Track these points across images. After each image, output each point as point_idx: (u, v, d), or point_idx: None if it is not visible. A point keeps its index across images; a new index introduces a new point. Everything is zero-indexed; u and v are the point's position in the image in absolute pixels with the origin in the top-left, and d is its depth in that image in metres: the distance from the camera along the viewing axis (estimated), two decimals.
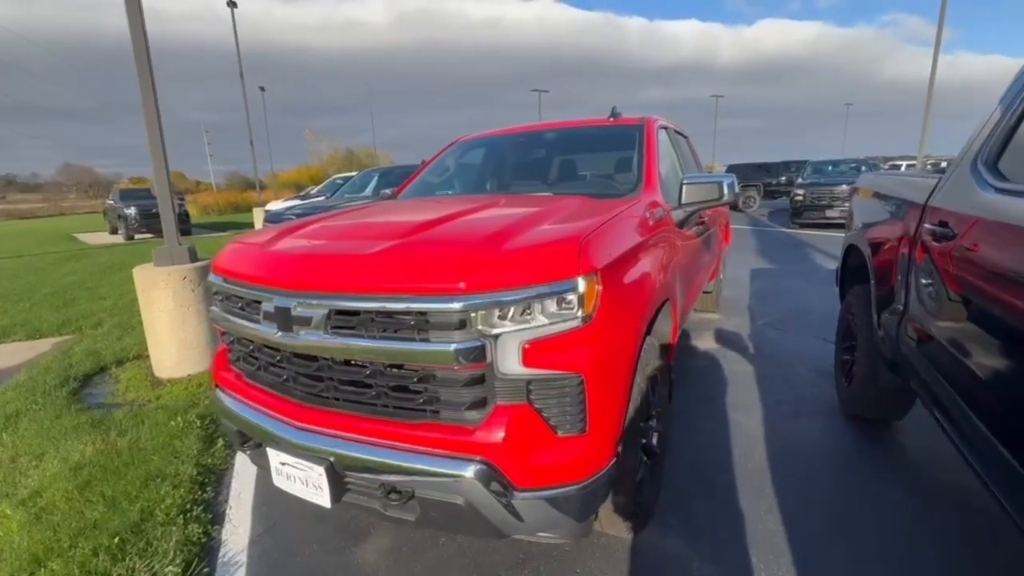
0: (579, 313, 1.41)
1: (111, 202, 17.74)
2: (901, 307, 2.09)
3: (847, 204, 11.45)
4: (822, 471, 2.38)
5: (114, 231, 17.50)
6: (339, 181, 10.67)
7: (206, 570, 1.90)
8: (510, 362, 1.39)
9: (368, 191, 8.61)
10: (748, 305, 5.38)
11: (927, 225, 1.87)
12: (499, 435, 1.39)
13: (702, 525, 2.02)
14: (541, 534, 1.58)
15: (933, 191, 1.95)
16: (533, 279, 1.39)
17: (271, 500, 2.29)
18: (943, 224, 1.73)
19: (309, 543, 2.03)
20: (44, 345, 4.91)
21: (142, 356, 4.19)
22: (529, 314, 1.39)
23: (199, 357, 3.82)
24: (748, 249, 9.08)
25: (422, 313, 1.39)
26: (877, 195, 2.74)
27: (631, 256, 1.75)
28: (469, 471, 1.38)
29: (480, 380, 1.41)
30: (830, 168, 14.47)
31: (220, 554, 2.00)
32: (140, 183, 25.46)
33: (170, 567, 1.84)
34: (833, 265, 7.52)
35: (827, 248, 9.02)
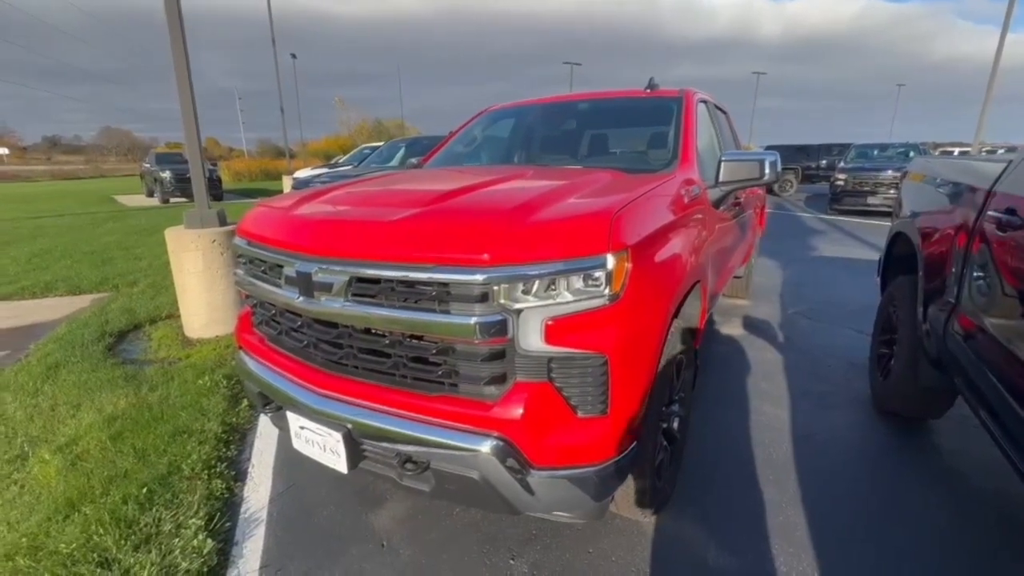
0: (606, 291, 1.35)
1: (147, 166, 18.21)
2: (952, 300, 1.96)
3: (891, 191, 11.04)
4: (850, 467, 2.29)
5: (150, 194, 18.01)
6: (367, 151, 10.65)
7: (228, 524, 1.96)
8: (532, 338, 1.35)
9: (395, 161, 8.57)
10: (780, 293, 5.19)
11: (991, 212, 1.72)
12: (517, 412, 1.36)
13: (720, 513, 1.97)
14: (555, 513, 1.56)
15: (1001, 176, 1.79)
16: (559, 254, 1.33)
17: (292, 460, 2.34)
18: (1011, 211, 1.59)
19: (327, 505, 2.08)
20: (83, 301, 5.11)
21: (174, 316, 4.31)
22: (554, 290, 1.34)
23: (227, 319, 3.91)
24: (782, 235, 8.74)
25: (443, 284, 1.35)
26: (932, 180, 2.56)
27: (663, 234, 1.66)
28: (485, 446, 1.36)
29: (500, 355, 1.37)
30: (875, 152, 13.72)
31: (241, 510, 2.06)
32: (176, 147, 26.01)
33: (194, 519, 1.90)
34: (872, 255, 7.22)
35: (866, 237, 8.62)
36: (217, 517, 1.96)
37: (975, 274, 1.79)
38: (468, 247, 1.35)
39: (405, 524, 1.96)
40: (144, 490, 2.05)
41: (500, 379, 1.39)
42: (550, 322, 1.34)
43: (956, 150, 22.52)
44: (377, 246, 1.44)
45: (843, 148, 16.27)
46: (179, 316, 4.05)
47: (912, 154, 13.06)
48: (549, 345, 1.35)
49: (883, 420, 2.67)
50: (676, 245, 1.75)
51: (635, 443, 1.49)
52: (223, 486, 2.14)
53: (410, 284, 1.39)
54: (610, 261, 1.34)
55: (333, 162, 13.85)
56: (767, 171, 2.21)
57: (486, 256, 1.32)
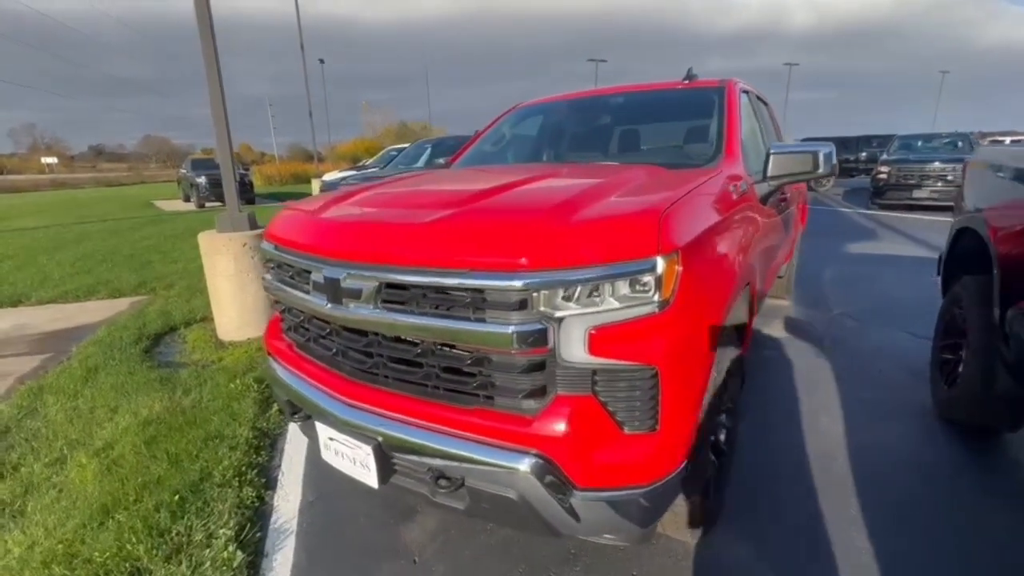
0: (655, 297, 1.24)
1: (184, 171, 18.83)
2: None
3: (939, 184, 10.45)
4: (919, 484, 2.10)
5: (187, 199, 18.60)
6: (393, 153, 10.72)
7: (258, 535, 1.93)
8: (574, 349, 1.25)
9: (421, 162, 8.57)
10: (822, 292, 4.93)
11: None
12: (559, 428, 1.26)
13: (776, 536, 1.82)
14: (599, 537, 1.45)
15: None
16: (604, 257, 1.22)
17: (321, 468, 2.28)
18: None
19: (357, 516, 2.02)
20: (123, 304, 5.25)
21: (208, 318, 4.37)
22: (598, 296, 1.23)
23: (258, 321, 3.93)
24: (821, 232, 8.36)
25: (478, 290, 1.26)
26: (1005, 171, 2.33)
27: (713, 234, 1.53)
28: (524, 464, 1.26)
29: (540, 367, 1.27)
30: (919, 143, 13.03)
31: (271, 520, 2.02)
32: (210, 153, 26.85)
33: (224, 529, 1.87)
34: (920, 252, 6.81)
35: (912, 232, 8.16)
36: (247, 527, 1.92)
37: None
38: (505, 250, 1.26)
39: (437, 538, 1.88)
40: (176, 497, 2.03)
41: (539, 392, 1.29)
42: (594, 331, 1.23)
43: (1008, 139, 21.24)
44: (408, 250, 1.36)
45: (884, 140, 15.55)
46: (212, 319, 4.10)
47: (960, 144, 12.36)
48: (593, 356, 1.24)
49: (950, 431, 2.46)
50: (726, 245, 1.62)
51: (686, 461, 1.37)
52: (253, 494, 2.11)
53: (443, 290, 1.31)
54: (660, 264, 1.22)
55: (360, 164, 14.01)
56: (822, 164, 2.05)
57: (524, 260, 1.23)
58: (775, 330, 3.91)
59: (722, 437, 1.84)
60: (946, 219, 9.24)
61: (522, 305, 1.23)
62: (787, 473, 2.18)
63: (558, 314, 1.23)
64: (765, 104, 3.45)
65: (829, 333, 3.84)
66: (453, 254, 1.30)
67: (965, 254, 2.60)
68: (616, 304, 1.23)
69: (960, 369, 2.44)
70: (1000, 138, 22.44)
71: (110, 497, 2.06)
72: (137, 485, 2.14)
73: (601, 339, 1.23)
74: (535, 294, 1.22)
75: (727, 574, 1.67)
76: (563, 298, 1.23)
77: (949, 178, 10.37)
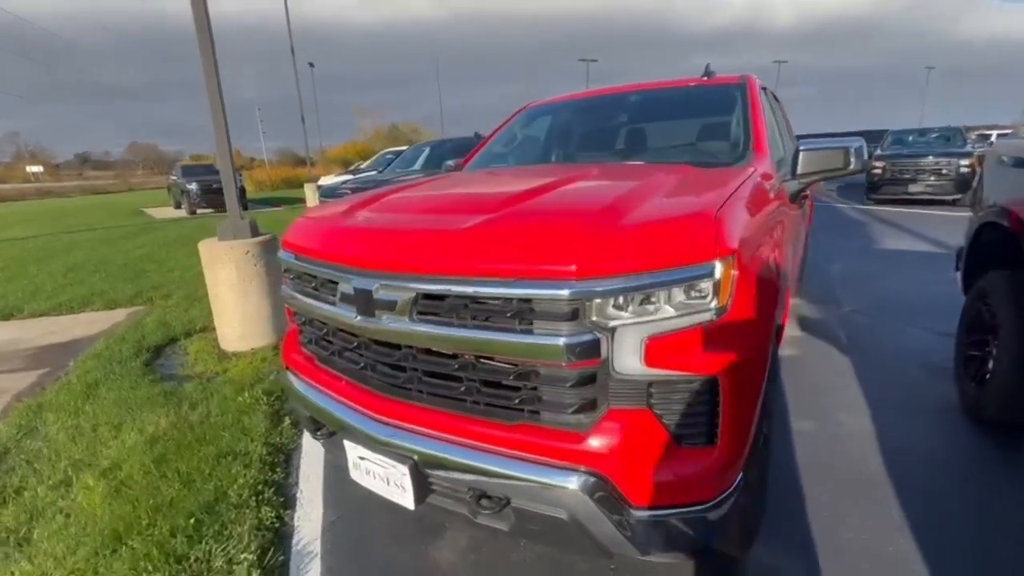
0: (712, 304, 1.17)
1: (174, 178, 18.57)
2: None
3: (933, 179, 10.51)
4: (958, 484, 2.05)
5: (178, 206, 18.35)
6: (389, 156, 10.62)
7: (281, 558, 1.84)
8: (629, 360, 1.18)
9: (418, 165, 8.47)
10: (831, 289, 4.90)
11: None
12: (612, 443, 1.19)
13: (819, 543, 1.77)
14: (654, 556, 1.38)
15: None
16: (659, 262, 1.15)
17: (341, 483, 2.21)
18: None
19: (382, 535, 1.93)
20: (119, 315, 5.11)
21: (209, 328, 4.26)
22: (652, 304, 1.17)
23: (262, 331, 3.83)
24: (821, 227, 8.35)
25: (525, 300, 1.19)
26: None
27: (760, 235, 1.47)
28: (574, 482, 1.19)
29: (591, 379, 1.20)
30: (911, 138, 13.14)
31: (294, 541, 1.93)
32: (200, 159, 26.55)
33: (245, 554, 1.78)
34: (921, 246, 6.82)
35: (911, 226, 8.19)
36: (270, 551, 1.83)
37: None
38: (553, 256, 1.19)
39: (468, 557, 1.80)
40: (192, 520, 1.94)
41: (590, 406, 1.22)
42: (649, 341, 1.16)
43: (994, 133, 21.49)
44: (447, 258, 1.29)
45: (877, 135, 15.63)
46: (214, 329, 3.99)
47: (951, 138, 12.46)
48: (649, 367, 1.17)
49: (981, 429, 2.42)
50: (770, 246, 1.56)
51: (742, 474, 1.31)
52: (272, 515, 2.02)
53: (486, 300, 1.24)
54: (718, 269, 1.16)
55: (354, 168, 13.88)
56: (852, 160, 1.99)
57: (574, 267, 1.16)
58: (789, 328, 3.87)
59: (760, 440, 1.78)
60: (941, 213, 9.38)
61: (573, 315, 1.16)
62: (821, 475, 2.12)
63: (611, 324, 1.16)
64: (777, 100, 3.41)
65: (844, 331, 3.80)
66: (497, 262, 1.23)
67: (992, 249, 2.56)
68: (672, 312, 1.16)
69: (990, 366, 2.41)
70: (987, 132, 22.69)
71: (121, 522, 1.96)
72: (149, 508, 2.04)
73: (657, 349, 1.17)
74: (587, 303, 1.15)
75: None
76: (616, 307, 1.16)
77: (943, 172, 10.46)
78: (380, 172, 8.95)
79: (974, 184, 2.95)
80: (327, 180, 9.50)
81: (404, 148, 10.45)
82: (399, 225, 1.51)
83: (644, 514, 1.21)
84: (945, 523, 1.84)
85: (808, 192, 2.94)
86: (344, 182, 8.08)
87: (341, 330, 1.58)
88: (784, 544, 1.76)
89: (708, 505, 1.22)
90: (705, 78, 2.68)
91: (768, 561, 1.69)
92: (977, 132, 23.13)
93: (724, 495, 1.24)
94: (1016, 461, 2.21)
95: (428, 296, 1.31)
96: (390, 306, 1.35)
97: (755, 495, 1.52)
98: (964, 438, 2.38)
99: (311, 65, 33.10)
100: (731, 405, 1.22)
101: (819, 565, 1.68)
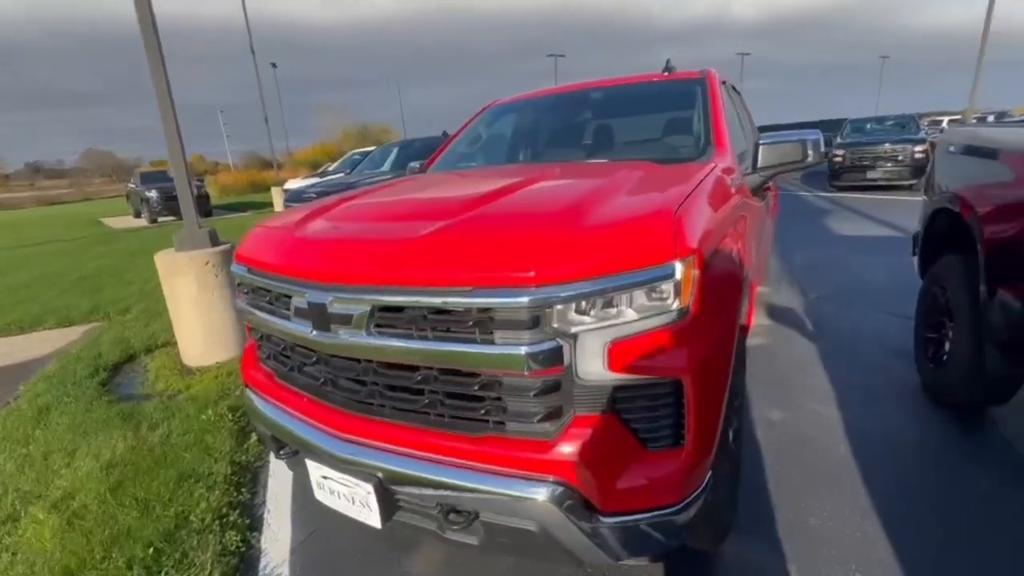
0: (674, 305, 1.15)
1: (133, 186, 17.85)
2: None
3: (890, 165, 10.89)
4: (921, 465, 2.12)
5: (138, 214, 17.64)
6: (357, 157, 10.41)
7: None
8: (593, 366, 1.15)
9: (387, 166, 8.33)
10: (796, 276, 5.02)
11: None
12: (578, 451, 1.17)
13: (792, 533, 1.79)
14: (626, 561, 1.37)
15: None
16: (619, 265, 1.13)
17: (311, 501, 2.12)
18: None
19: (354, 553, 1.88)
20: (74, 333, 4.87)
21: (170, 343, 4.09)
22: (614, 308, 1.14)
23: (226, 344, 3.69)
24: (785, 215, 8.56)
25: (484, 309, 1.15)
26: (980, 151, 2.37)
27: (721, 232, 1.47)
28: (542, 493, 1.16)
29: (555, 387, 1.17)
30: (868, 126, 13.59)
31: (261, 565, 1.86)
32: (160, 165, 25.57)
33: None
34: (881, 231, 7.06)
35: (871, 212, 8.46)
36: None
37: None
38: (510, 263, 1.15)
39: (443, 570, 1.76)
40: (150, 550, 1.84)
41: (555, 414, 1.20)
42: (612, 345, 1.14)
43: (945, 119, 22.42)
44: (402, 268, 1.24)
45: (835, 124, 16.13)
46: (175, 344, 3.83)
47: (906, 126, 12.93)
48: (613, 372, 1.15)
49: (942, 411, 2.49)
50: (733, 242, 1.56)
51: (711, 472, 1.30)
52: (238, 538, 1.94)
53: (444, 311, 1.19)
54: (678, 269, 1.14)
55: (322, 170, 13.58)
56: (810, 153, 2.02)
57: (532, 273, 1.13)
58: (758, 318, 3.93)
59: (730, 436, 1.79)
60: (899, 198, 9.73)
61: (534, 323, 1.13)
62: (790, 464, 2.15)
63: (573, 329, 1.14)
64: (738, 93, 3.45)
65: (810, 318, 3.89)
66: (453, 271, 1.19)
67: (944, 234, 2.64)
68: (634, 315, 1.14)
69: (946, 348, 2.48)
70: (938, 118, 23.66)
71: (74, 557, 1.85)
72: (104, 540, 1.93)
73: (621, 353, 1.14)
74: (548, 310, 1.12)
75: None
76: (577, 312, 1.14)
77: (900, 158, 10.85)
78: (348, 174, 8.77)
79: (928, 170, 3.04)
80: (293, 184, 9.26)
81: (372, 149, 10.27)
82: (353, 235, 1.45)
83: (614, 520, 1.19)
84: (910, 504, 1.89)
85: (772, 183, 2.99)
86: (311, 185, 7.89)
87: (299, 345, 1.51)
88: (753, 534, 1.77)
89: (678, 507, 1.21)
90: (666, 73, 2.68)
91: (737, 551, 1.70)
92: (929, 119, 24.11)
93: (693, 496, 1.23)
94: (975, 440, 2.28)
95: (384, 308, 1.26)
96: (346, 320, 1.29)
97: (726, 492, 1.53)
98: (926, 419, 2.45)
99: (274, 66, 32.22)
100: (697, 406, 1.21)
101: (794, 555, 1.69)
